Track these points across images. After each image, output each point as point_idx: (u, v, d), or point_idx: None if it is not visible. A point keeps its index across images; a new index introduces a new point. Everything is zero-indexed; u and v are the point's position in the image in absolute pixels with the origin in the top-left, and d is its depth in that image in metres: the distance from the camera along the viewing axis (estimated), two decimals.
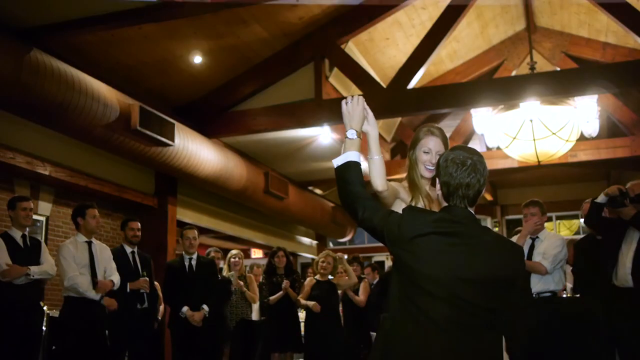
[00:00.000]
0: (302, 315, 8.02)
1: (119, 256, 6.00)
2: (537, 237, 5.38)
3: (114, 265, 5.79)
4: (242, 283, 7.67)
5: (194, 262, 6.43)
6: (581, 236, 9.95)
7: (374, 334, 7.14)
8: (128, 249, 6.17)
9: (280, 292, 7.14)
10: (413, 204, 2.73)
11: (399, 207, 2.56)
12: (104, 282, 5.54)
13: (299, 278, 7.61)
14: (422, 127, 2.88)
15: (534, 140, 7.75)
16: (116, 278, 5.71)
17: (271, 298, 7.18)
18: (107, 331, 5.81)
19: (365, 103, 2.57)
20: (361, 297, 7.80)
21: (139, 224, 6.26)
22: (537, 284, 5.23)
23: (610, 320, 5.00)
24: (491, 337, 2.17)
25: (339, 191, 2.46)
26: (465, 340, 2.10)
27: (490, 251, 2.18)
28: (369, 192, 2.40)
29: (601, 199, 5.00)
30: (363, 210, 2.32)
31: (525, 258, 5.02)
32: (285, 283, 7.15)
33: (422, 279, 2.13)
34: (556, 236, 5.62)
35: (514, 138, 7.87)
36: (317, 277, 7.31)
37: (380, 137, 10.29)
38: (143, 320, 6.14)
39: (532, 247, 5.34)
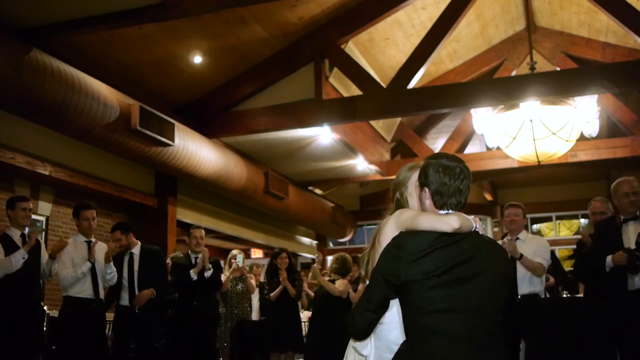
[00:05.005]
0: (304, 315, 8.00)
1: (117, 258, 5.98)
2: (518, 237, 5.41)
3: (114, 268, 5.76)
4: (247, 268, 7.79)
5: (199, 261, 6.46)
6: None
7: None
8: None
9: (280, 287, 7.13)
10: None
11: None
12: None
13: (300, 277, 7.61)
14: (405, 166, 2.68)
15: (534, 140, 7.74)
16: (114, 276, 5.72)
17: (272, 294, 7.17)
18: (107, 330, 5.82)
19: None
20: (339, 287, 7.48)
21: (118, 233, 5.96)
22: (522, 286, 5.23)
23: (612, 319, 4.96)
24: (501, 339, 2.17)
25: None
26: (481, 344, 2.10)
27: (488, 253, 2.20)
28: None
29: (609, 264, 4.71)
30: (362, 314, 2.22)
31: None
32: (284, 275, 7.13)
33: (433, 297, 2.09)
34: (540, 237, 5.69)
35: (514, 138, 7.86)
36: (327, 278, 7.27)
37: (380, 137, 10.30)
38: (143, 319, 6.13)
39: None
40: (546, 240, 5.69)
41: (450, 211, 2.23)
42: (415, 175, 2.52)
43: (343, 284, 7.00)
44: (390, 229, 2.35)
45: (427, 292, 2.09)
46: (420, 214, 2.27)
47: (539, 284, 5.33)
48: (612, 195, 4.93)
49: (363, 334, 2.30)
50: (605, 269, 4.74)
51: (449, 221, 2.15)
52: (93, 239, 5.75)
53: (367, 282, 2.50)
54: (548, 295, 6.59)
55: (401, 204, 2.56)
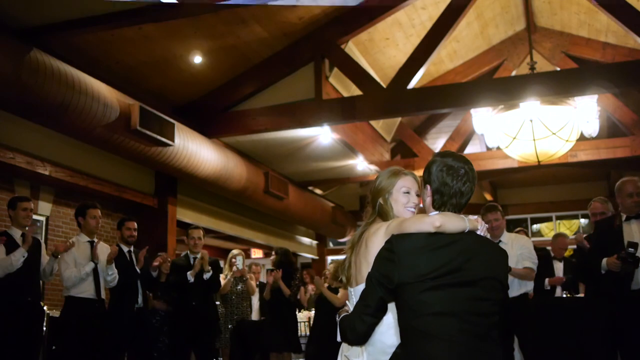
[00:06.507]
0: (301, 315, 7.99)
1: (123, 259, 6.00)
2: (500, 240, 5.35)
3: (115, 270, 5.77)
4: (247, 269, 7.82)
5: (196, 263, 6.45)
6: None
7: None
8: (124, 248, 6.16)
9: (268, 285, 7.12)
10: None
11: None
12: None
13: (297, 277, 7.58)
14: (386, 172, 2.63)
15: (534, 140, 7.75)
16: (115, 278, 5.73)
17: (264, 293, 7.16)
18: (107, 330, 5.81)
19: None
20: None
21: (136, 224, 6.26)
22: (512, 290, 5.20)
23: (613, 319, 4.95)
24: (495, 341, 2.16)
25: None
26: (477, 347, 2.09)
27: (484, 254, 2.18)
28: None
29: (604, 267, 4.71)
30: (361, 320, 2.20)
31: None
32: (277, 273, 7.11)
33: (427, 299, 2.08)
34: (523, 237, 5.66)
35: (514, 138, 7.87)
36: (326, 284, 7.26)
37: (380, 137, 10.30)
38: (142, 319, 6.14)
39: None
40: (529, 240, 5.65)
41: (447, 212, 2.20)
42: (399, 182, 2.54)
43: (344, 293, 7.01)
44: (379, 238, 2.35)
45: (421, 295, 2.08)
46: (406, 219, 2.26)
47: (526, 285, 5.32)
48: (615, 195, 4.91)
49: (363, 339, 2.29)
50: (601, 270, 4.74)
51: (431, 220, 2.12)
52: (96, 239, 5.77)
53: (349, 288, 2.54)
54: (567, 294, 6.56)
55: (385, 211, 2.53)
